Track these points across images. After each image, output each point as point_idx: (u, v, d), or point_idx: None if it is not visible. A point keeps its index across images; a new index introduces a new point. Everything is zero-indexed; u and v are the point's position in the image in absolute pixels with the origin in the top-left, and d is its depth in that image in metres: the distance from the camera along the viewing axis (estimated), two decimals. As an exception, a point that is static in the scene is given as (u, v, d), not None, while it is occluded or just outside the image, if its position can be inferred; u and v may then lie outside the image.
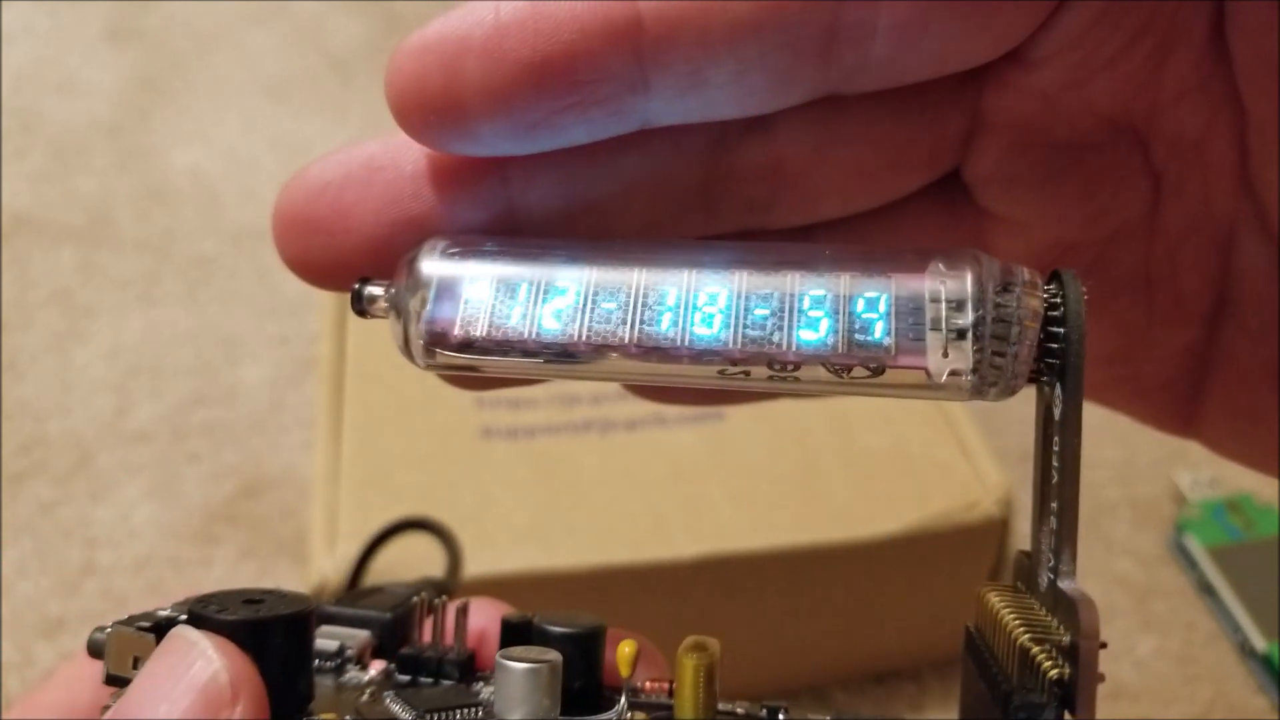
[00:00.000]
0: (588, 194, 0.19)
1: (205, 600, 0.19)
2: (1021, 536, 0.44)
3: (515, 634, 0.22)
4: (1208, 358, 0.22)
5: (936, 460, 0.43)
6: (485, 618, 0.23)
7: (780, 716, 0.21)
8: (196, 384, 0.57)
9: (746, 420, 0.45)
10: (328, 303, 0.50)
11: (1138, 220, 0.21)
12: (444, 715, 0.20)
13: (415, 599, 0.24)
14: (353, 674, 0.22)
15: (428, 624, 0.23)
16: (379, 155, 0.19)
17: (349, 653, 0.22)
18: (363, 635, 0.23)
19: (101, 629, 0.20)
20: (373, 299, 0.19)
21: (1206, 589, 0.49)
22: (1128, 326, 0.22)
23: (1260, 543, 0.49)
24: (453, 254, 0.18)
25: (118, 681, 0.19)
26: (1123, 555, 0.51)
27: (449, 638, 0.22)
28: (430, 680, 0.22)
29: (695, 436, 0.44)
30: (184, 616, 0.19)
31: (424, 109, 0.18)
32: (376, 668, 0.22)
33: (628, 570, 0.40)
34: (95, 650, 0.20)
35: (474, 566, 0.39)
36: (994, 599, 0.19)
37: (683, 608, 0.42)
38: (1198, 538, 0.50)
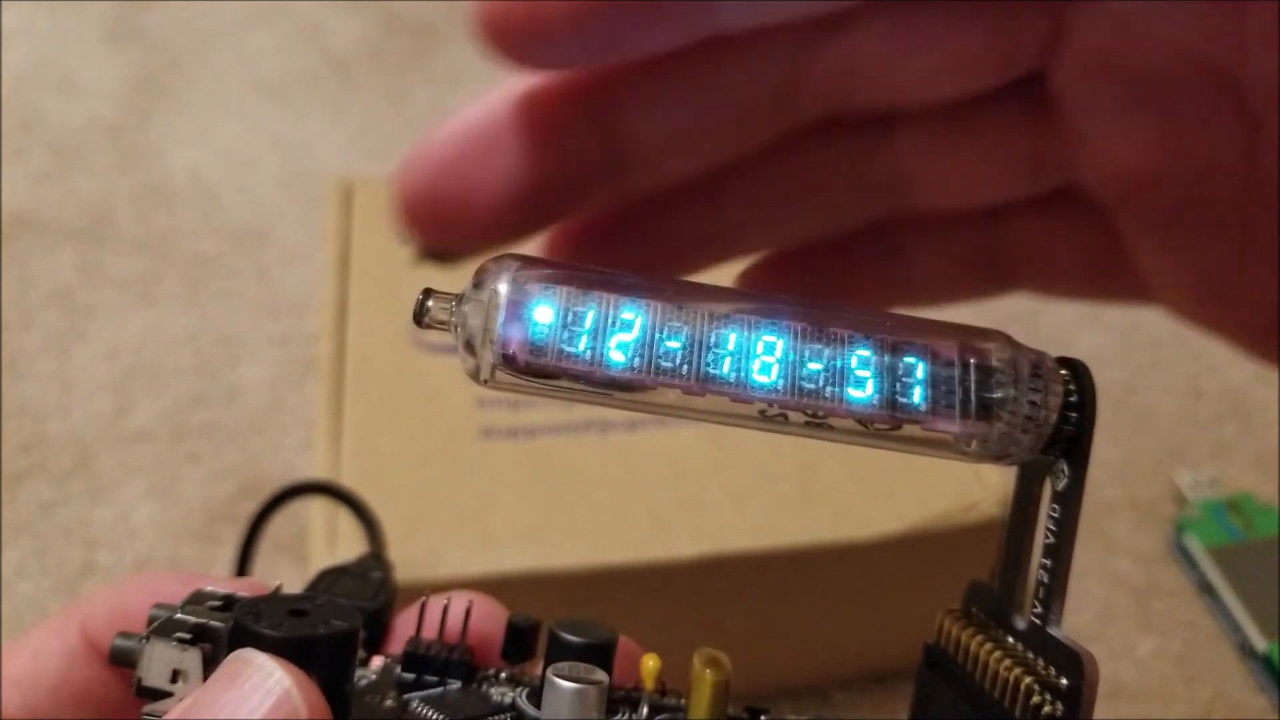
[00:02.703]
0: (672, 119, 0.21)
1: (248, 610, 0.18)
2: (1021, 536, 0.44)
3: (522, 637, 0.22)
4: None
5: (936, 461, 0.43)
6: (486, 617, 0.23)
7: (762, 719, 0.22)
8: (196, 384, 0.57)
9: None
10: (328, 303, 0.50)
11: (1232, 162, 0.21)
12: None
13: (379, 577, 0.24)
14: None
15: (426, 619, 0.23)
16: (487, 125, 0.20)
17: None
18: None
19: (127, 635, 0.19)
20: (437, 311, 0.19)
21: (1207, 589, 0.49)
22: (1221, 267, 0.22)
23: (1260, 543, 0.49)
24: (522, 274, 0.18)
25: (152, 694, 0.19)
26: (1123, 555, 0.51)
27: (448, 634, 0.22)
28: (435, 679, 0.22)
29: (695, 436, 0.44)
30: (218, 621, 0.19)
31: (510, 28, 0.19)
32: (375, 664, 0.22)
33: (628, 570, 0.40)
34: (121, 658, 0.19)
35: (474, 566, 0.39)
36: (966, 628, 0.21)
37: (683, 608, 0.42)
38: (1198, 538, 0.50)
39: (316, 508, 0.41)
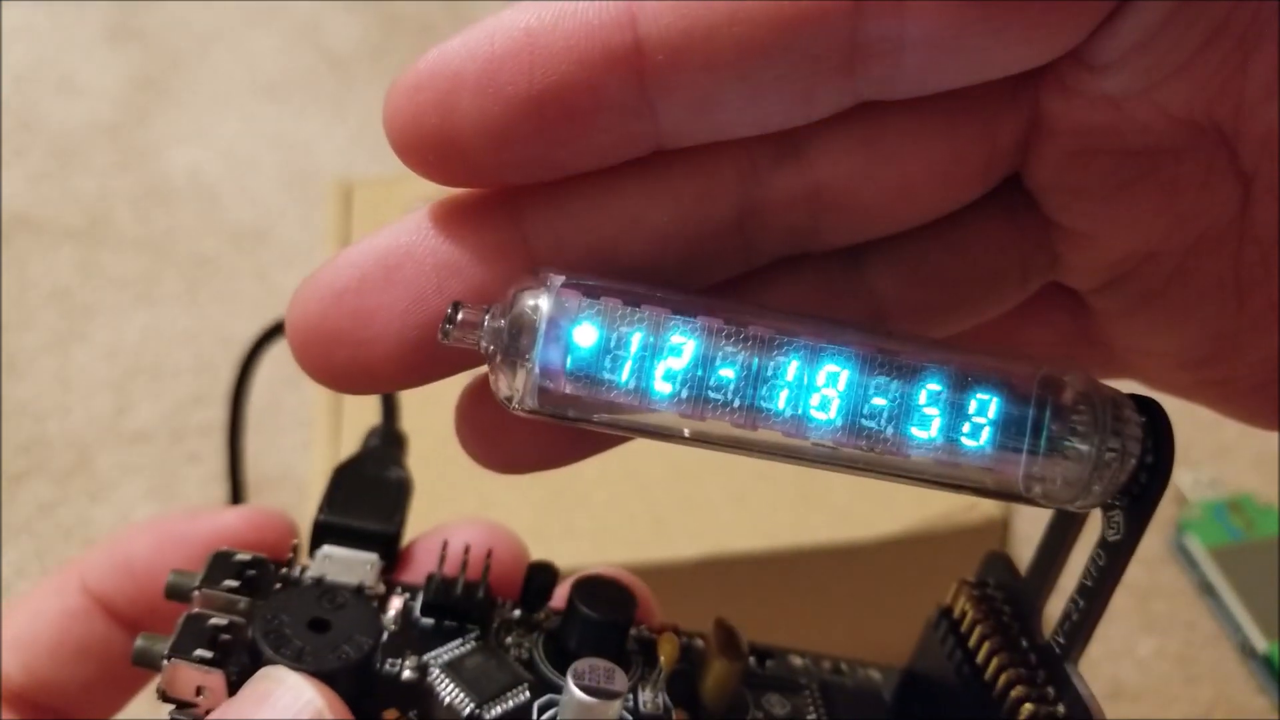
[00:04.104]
0: (620, 253, 0.18)
1: (270, 628, 0.19)
2: (1021, 537, 0.44)
3: (540, 589, 0.23)
4: None
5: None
6: (506, 549, 0.23)
7: (767, 664, 0.23)
8: (196, 384, 0.57)
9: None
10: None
11: (1226, 226, 0.19)
12: (499, 702, 0.20)
13: (397, 477, 0.25)
14: None
15: (448, 556, 0.23)
16: (393, 251, 0.18)
17: (367, 590, 0.22)
18: (372, 561, 0.22)
19: (149, 637, 0.19)
20: (465, 327, 0.17)
21: (1207, 589, 0.49)
22: (1212, 333, 0.21)
23: (1261, 543, 0.49)
24: (568, 291, 0.17)
25: (176, 703, 0.19)
26: (1123, 555, 0.51)
27: (465, 570, 0.22)
28: (454, 625, 0.22)
29: (695, 436, 0.44)
30: (238, 618, 0.19)
31: (423, 148, 0.17)
32: (394, 606, 0.22)
33: (627, 570, 0.40)
34: (143, 660, 0.19)
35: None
36: (983, 616, 0.20)
37: (683, 608, 0.41)
38: (1199, 538, 0.49)
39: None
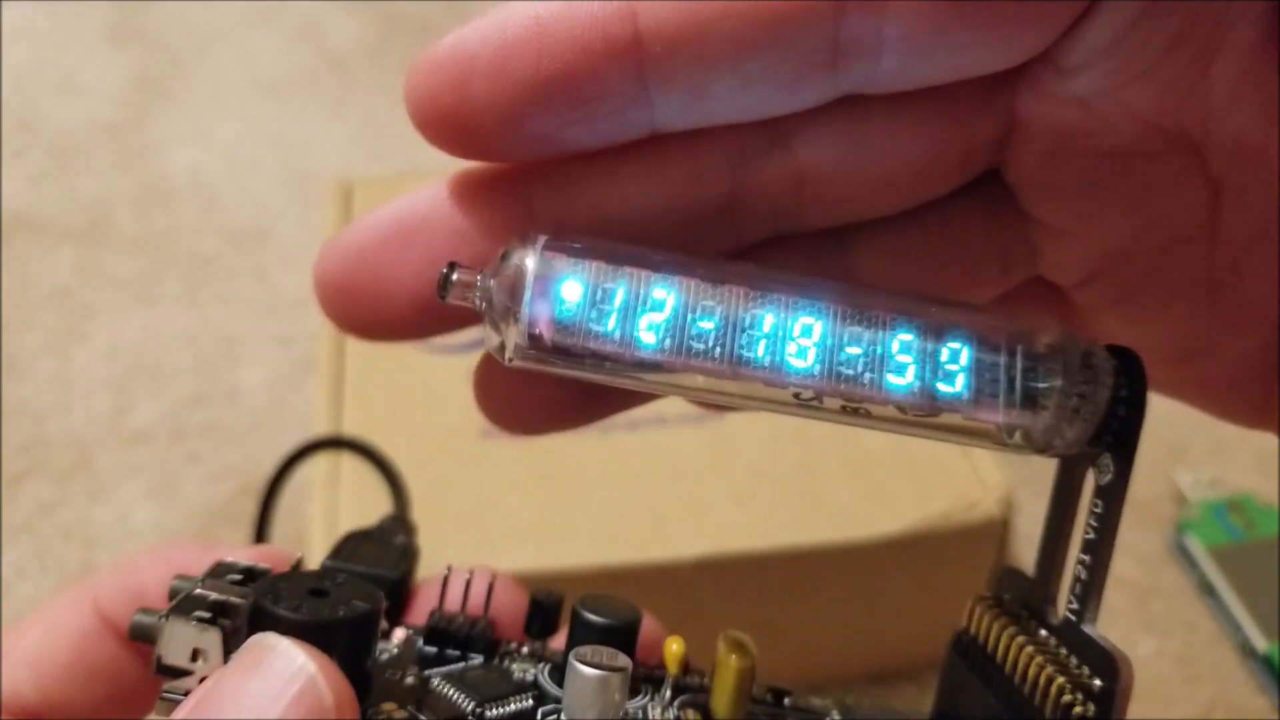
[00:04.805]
0: (617, 231, 0.20)
1: (268, 591, 0.18)
2: (1021, 537, 0.44)
3: (546, 613, 0.23)
4: None
5: (936, 460, 0.43)
6: (508, 592, 0.23)
7: (785, 701, 0.22)
8: (196, 384, 0.57)
9: (746, 420, 0.45)
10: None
11: (1196, 228, 0.20)
12: (500, 704, 0.20)
13: (402, 542, 0.25)
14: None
15: (449, 591, 0.23)
16: (410, 216, 0.20)
17: None
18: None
19: (147, 612, 0.19)
20: (461, 286, 0.19)
21: (1207, 589, 0.49)
22: (1188, 331, 0.21)
23: (1261, 543, 0.49)
24: (552, 250, 0.18)
25: (171, 672, 0.19)
26: (1123, 556, 0.51)
27: (470, 606, 0.22)
28: (457, 653, 0.22)
29: (695, 436, 0.44)
30: (238, 598, 0.19)
31: (439, 124, 0.19)
32: (398, 636, 0.22)
33: (628, 570, 0.40)
34: (140, 634, 0.19)
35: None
36: (998, 617, 0.20)
37: (683, 608, 0.42)
38: (1198, 538, 0.50)
39: (317, 508, 0.41)
